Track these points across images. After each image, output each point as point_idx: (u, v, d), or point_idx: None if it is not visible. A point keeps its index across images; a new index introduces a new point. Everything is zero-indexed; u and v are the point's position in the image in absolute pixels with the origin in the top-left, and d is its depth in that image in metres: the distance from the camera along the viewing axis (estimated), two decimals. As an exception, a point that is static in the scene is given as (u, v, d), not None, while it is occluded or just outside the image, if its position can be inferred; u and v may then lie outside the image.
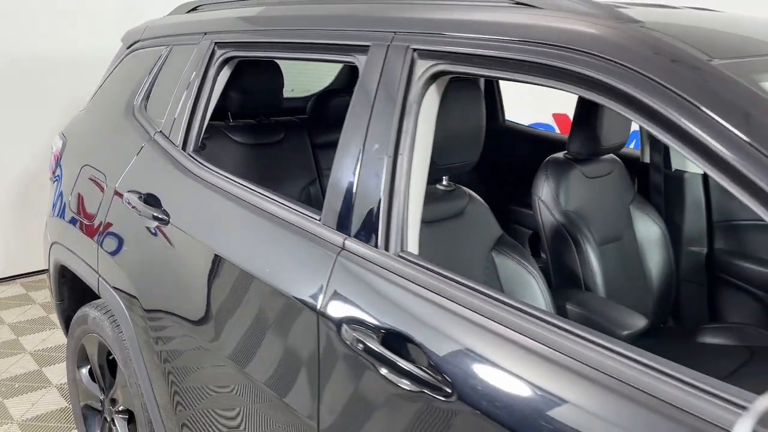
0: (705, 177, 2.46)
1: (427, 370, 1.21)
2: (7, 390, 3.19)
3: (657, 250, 2.40)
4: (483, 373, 1.14)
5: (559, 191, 2.25)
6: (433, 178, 1.73)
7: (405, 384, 1.24)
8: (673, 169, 2.50)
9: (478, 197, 1.98)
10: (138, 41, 2.47)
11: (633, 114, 1.10)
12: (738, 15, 1.67)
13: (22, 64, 4.17)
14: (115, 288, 2.13)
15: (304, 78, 3.59)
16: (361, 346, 1.31)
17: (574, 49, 1.18)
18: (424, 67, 1.43)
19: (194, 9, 2.35)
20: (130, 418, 2.32)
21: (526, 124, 3.57)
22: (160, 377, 2.00)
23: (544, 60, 1.22)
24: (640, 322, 1.92)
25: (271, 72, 2.44)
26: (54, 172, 2.63)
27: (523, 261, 1.90)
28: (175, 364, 1.93)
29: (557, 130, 5.06)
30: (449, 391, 1.17)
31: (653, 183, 2.53)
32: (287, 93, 3.55)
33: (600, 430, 0.99)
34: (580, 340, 1.07)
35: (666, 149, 2.51)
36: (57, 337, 3.70)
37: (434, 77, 1.44)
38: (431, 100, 1.47)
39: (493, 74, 1.34)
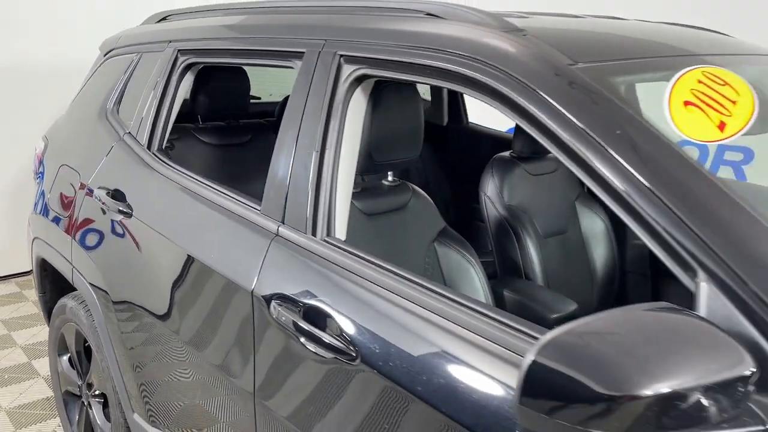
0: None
1: (338, 339, 1.36)
2: (5, 385, 3.35)
3: (601, 243, 2.54)
4: (381, 339, 1.30)
5: (503, 187, 2.40)
6: (374, 172, 1.89)
7: (321, 351, 1.39)
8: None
9: (423, 192, 2.13)
10: (113, 49, 2.64)
11: (509, 113, 1.25)
12: (624, 21, 1.81)
13: (12, 73, 4.35)
14: (86, 278, 2.29)
15: (282, 83, 3.74)
16: (284, 319, 1.46)
17: (465, 55, 1.33)
18: (348, 71, 1.59)
19: (163, 19, 2.52)
20: (105, 401, 2.47)
21: (505, 129, 3.70)
22: (125, 360, 2.16)
23: (443, 65, 1.37)
24: (569, 307, 2.06)
25: (237, 77, 2.59)
26: (36, 172, 2.80)
27: (463, 251, 2.04)
28: (137, 346, 2.09)
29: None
30: (354, 355, 1.32)
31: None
32: (266, 97, 3.71)
33: (473, 378, 1.14)
34: (465, 309, 1.22)
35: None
36: (47, 332, 3.86)
37: (358, 80, 1.59)
38: (358, 101, 1.62)
39: (406, 77, 1.49)
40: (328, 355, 1.37)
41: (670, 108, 1.18)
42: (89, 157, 2.40)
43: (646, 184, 1.04)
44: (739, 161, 5.10)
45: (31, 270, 2.92)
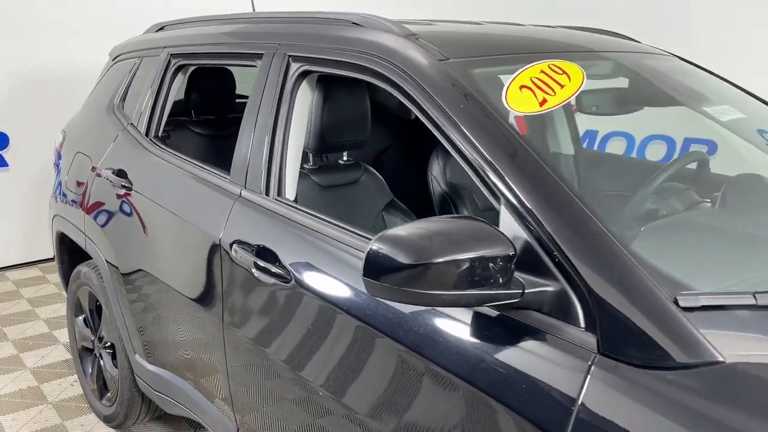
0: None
1: (278, 267, 1.81)
2: (23, 346, 3.84)
3: None
4: (307, 265, 1.75)
5: (446, 168, 2.84)
6: (328, 152, 2.34)
7: (266, 278, 1.84)
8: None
9: (374, 171, 2.58)
10: (119, 54, 3.12)
11: (404, 99, 1.68)
12: (515, 26, 2.24)
13: (35, 78, 4.88)
14: (96, 245, 2.77)
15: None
16: (241, 258, 1.92)
17: (373, 54, 1.78)
18: (295, 68, 2.04)
19: (161, 28, 2.99)
20: (113, 352, 2.94)
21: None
22: (128, 310, 2.63)
23: (359, 62, 1.81)
24: None
25: (224, 78, 3.06)
26: (55, 162, 3.29)
27: (407, 220, 2.49)
28: (136, 297, 2.56)
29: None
30: (288, 278, 1.78)
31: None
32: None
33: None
34: (365, 239, 1.66)
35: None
36: (66, 306, 4.36)
37: (303, 75, 2.05)
38: (304, 92, 2.07)
39: (336, 72, 1.94)
40: (271, 280, 1.83)
41: (508, 90, 1.62)
42: (99, 145, 2.88)
43: (475, 141, 1.48)
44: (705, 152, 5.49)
45: (53, 257, 3.40)
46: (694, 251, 1.55)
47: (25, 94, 4.91)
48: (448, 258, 1.21)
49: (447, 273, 1.22)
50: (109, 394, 3.02)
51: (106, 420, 3.05)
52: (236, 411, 2.12)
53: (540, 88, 1.65)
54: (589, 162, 2.93)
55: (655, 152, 3.88)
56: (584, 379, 1.18)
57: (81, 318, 3.19)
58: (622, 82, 2.17)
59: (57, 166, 3.27)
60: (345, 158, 2.54)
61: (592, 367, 1.18)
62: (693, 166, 2.44)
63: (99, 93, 3.15)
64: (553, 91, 1.65)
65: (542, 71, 1.72)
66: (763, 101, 2.35)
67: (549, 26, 2.36)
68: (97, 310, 3.03)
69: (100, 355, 3.04)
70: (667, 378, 1.11)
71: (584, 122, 2.89)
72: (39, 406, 3.23)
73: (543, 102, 1.61)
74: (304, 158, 2.27)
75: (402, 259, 1.21)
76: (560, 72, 1.74)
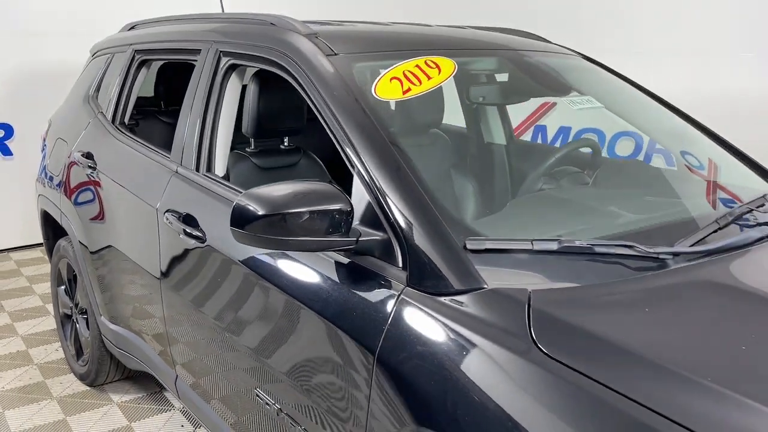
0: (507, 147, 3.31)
1: (194, 230, 2.15)
2: (17, 317, 4.23)
3: None
4: (218, 228, 2.08)
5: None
6: (266, 137, 2.64)
7: (189, 240, 2.17)
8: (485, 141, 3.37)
9: (314, 156, 2.89)
10: (98, 51, 3.48)
11: (299, 88, 2.00)
12: (419, 26, 2.53)
13: (37, 75, 5.28)
14: (69, 219, 3.13)
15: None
16: (170, 223, 2.26)
17: (278, 49, 2.09)
18: (224, 62, 2.37)
19: (132, 27, 3.35)
20: (87, 317, 3.30)
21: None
22: (94, 277, 2.99)
23: (270, 56, 2.13)
24: None
25: (188, 72, 3.39)
26: (42, 147, 3.66)
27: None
28: (100, 264, 2.91)
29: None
30: (204, 239, 2.11)
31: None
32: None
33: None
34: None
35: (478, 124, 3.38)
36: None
37: (231, 68, 2.37)
38: (232, 83, 2.40)
39: (255, 65, 2.26)
40: (192, 242, 2.16)
41: (379, 81, 1.93)
42: (74, 132, 3.24)
43: (341, 122, 1.79)
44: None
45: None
46: (523, 215, 1.85)
47: (28, 89, 5.30)
48: (296, 210, 1.53)
49: (296, 222, 1.53)
50: (84, 355, 3.38)
51: (81, 378, 3.41)
52: (174, 358, 2.46)
53: (408, 79, 1.96)
54: (516, 150, 3.22)
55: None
56: (394, 304, 1.49)
57: (62, 288, 3.55)
58: (503, 77, 2.47)
59: (43, 151, 3.64)
60: (286, 143, 2.85)
61: (401, 296, 1.50)
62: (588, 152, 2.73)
63: (79, 85, 3.51)
64: (419, 81, 1.97)
65: (417, 65, 2.03)
66: (655, 96, 2.63)
67: (458, 26, 2.66)
68: (73, 279, 3.39)
69: (77, 320, 3.40)
70: (446, 301, 1.42)
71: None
72: (25, 367, 3.60)
73: (407, 91, 1.92)
74: (246, 142, 2.60)
75: (260, 210, 1.53)
76: (433, 66, 2.05)
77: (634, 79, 2.70)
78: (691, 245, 1.61)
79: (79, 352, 3.44)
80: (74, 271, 3.33)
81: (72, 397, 3.33)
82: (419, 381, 1.39)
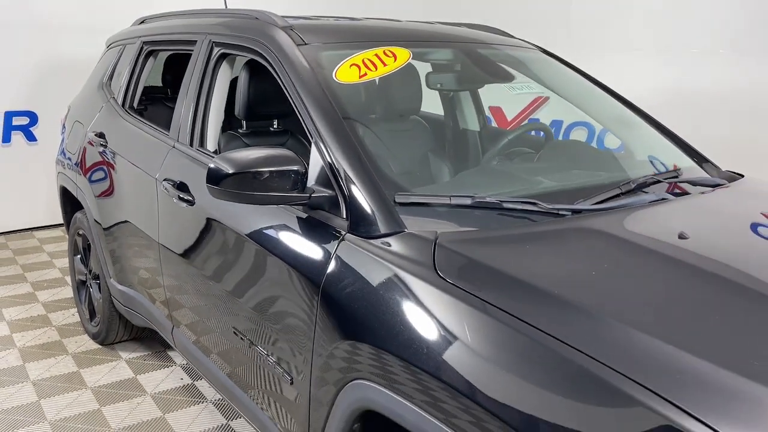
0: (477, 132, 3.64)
1: (186, 195, 2.51)
2: (38, 287, 4.63)
3: None
4: (204, 193, 2.43)
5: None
6: (256, 120, 2.99)
7: (181, 203, 2.54)
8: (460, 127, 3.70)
9: (300, 137, 3.24)
10: (112, 43, 3.86)
11: (274, 73, 2.34)
12: (387, 21, 2.86)
13: (59, 67, 5.69)
14: (84, 193, 3.51)
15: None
16: (167, 190, 2.62)
17: (259, 39, 2.44)
18: (216, 51, 2.73)
19: (143, 21, 3.72)
20: (99, 282, 3.68)
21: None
22: (105, 244, 3.36)
23: (253, 46, 2.48)
24: None
25: (187, 63, 3.76)
26: (62, 130, 4.05)
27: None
28: (109, 230, 3.29)
29: (493, 121, 6.25)
30: (193, 200, 2.47)
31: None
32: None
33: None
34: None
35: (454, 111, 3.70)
36: (77, 257, 5.13)
37: (222, 57, 2.73)
38: (223, 70, 2.75)
39: (241, 54, 2.61)
40: (184, 204, 2.52)
41: (340, 67, 2.26)
42: (89, 115, 3.62)
43: (304, 100, 2.13)
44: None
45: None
46: (463, 183, 2.19)
47: (51, 80, 5.71)
48: (259, 169, 1.87)
49: (259, 180, 1.88)
50: (96, 317, 3.76)
51: (94, 337, 3.80)
52: (171, 310, 2.82)
53: (366, 66, 2.30)
54: (482, 134, 3.54)
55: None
56: (336, 246, 1.84)
57: (78, 257, 3.94)
58: (457, 67, 2.80)
59: (62, 134, 4.03)
60: (275, 126, 3.20)
61: (342, 240, 1.84)
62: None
63: (95, 74, 3.90)
64: (375, 68, 2.31)
65: (376, 54, 2.37)
66: (605, 87, 2.95)
67: (425, 22, 2.99)
68: (88, 248, 3.77)
69: (90, 285, 3.78)
70: (376, 242, 1.76)
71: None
72: (44, 328, 4.00)
73: (363, 75, 2.26)
74: (239, 124, 2.95)
75: (229, 170, 1.88)
76: (390, 55, 2.39)
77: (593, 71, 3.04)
78: (592, 204, 1.93)
79: (92, 315, 3.82)
80: (88, 241, 3.71)
81: (85, 353, 3.71)
82: (353, 305, 1.73)
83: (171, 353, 3.72)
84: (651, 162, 2.58)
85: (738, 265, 1.61)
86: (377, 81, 2.56)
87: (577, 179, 2.27)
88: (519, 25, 3.93)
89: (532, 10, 6.55)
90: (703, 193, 2.19)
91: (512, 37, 3.18)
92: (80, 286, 3.97)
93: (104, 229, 3.33)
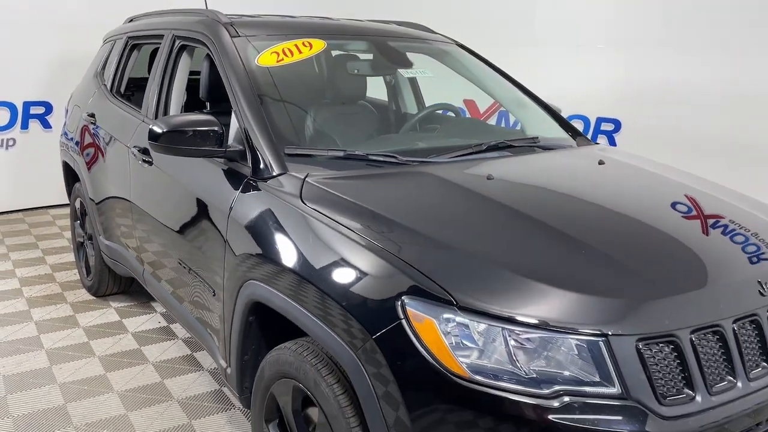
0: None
1: (147, 157, 3.14)
2: (48, 252, 5.31)
3: None
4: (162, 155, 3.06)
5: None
6: (217, 101, 3.61)
7: (144, 163, 3.17)
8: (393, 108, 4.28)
9: None
10: (107, 38, 4.52)
11: (215, 61, 2.96)
12: (313, 18, 3.46)
13: (71, 61, 6.37)
14: (79, 165, 4.17)
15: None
16: (134, 155, 3.26)
17: (204, 32, 3.06)
18: (177, 43, 3.35)
19: (132, 20, 4.37)
20: (92, 242, 4.33)
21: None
22: (95, 210, 4.02)
23: (201, 38, 3.10)
24: None
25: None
26: (66, 113, 4.72)
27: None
28: (97, 193, 3.94)
29: (467, 113, 6.82)
30: (151, 161, 3.10)
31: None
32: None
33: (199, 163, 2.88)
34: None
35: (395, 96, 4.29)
36: (83, 229, 5.82)
37: (182, 48, 3.35)
38: (184, 59, 3.38)
39: (194, 45, 3.23)
40: (146, 165, 3.16)
41: (263, 54, 2.87)
42: (85, 99, 4.28)
43: (231, 81, 2.74)
44: (611, 130, 6.61)
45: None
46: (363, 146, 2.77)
47: (64, 73, 6.39)
48: (184, 129, 2.48)
49: (184, 137, 2.48)
50: (91, 273, 4.42)
51: (89, 289, 4.46)
52: (141, 256, 3.46)
53: (284, 53, 2.91)
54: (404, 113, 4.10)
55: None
56: (240, 185, 2.44)
57: (78, 222, 4.60)
58: (369, 56, 3.39)
59: (66, 116, 4.70)
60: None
61: (245, 181, 2.44)
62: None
63: (92, 65, 4.56)
64: (292, 54, 2.91)
65: (295, 44, 2.98)
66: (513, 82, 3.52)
67: (355, 19, 3.59)
68: (84, 214, 4.43)
69: (86, 245, 4.44)
70: (267, 182, 2.36)
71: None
72: (49, 284, 4.67)
73: (279, 60, 2.87)
74: (205, 106, 3.56)
75: (163, 129, 2.49)
76: (307, 45, 3.00)
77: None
78: (435, 157, 2.52)
79: (88, 271, 4.48)
80: (85, 208, 4.37)
81: (81, 302, 4.37)
82: (248, 226, 2.33)
83: (153, 303, 4.36)
84: (524, 133, 3.15)
85: (514, 196, 2.20)
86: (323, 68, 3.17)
87: (446, 143, 2.85)
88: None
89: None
90: (543, 152, 2.76)
91: (434, 32, 3.77)
92: (79, 247, 4.63)
93: (93, 193, 3.99)
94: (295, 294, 2.03)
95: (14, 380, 3.36)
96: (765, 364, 1.80)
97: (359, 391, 1.81)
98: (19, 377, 3.40)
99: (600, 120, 6.71)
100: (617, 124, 6.58)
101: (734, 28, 5.45)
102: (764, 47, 5.24)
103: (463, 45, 3.71)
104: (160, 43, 3.61)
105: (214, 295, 2.60)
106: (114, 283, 4.32)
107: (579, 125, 6.87)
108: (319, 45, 3.00)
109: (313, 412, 2.11)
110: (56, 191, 6.60)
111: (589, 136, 6.92)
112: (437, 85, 3.92)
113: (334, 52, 3.33)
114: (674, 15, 5.96)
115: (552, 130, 3.26)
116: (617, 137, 6.62)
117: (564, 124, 3.31)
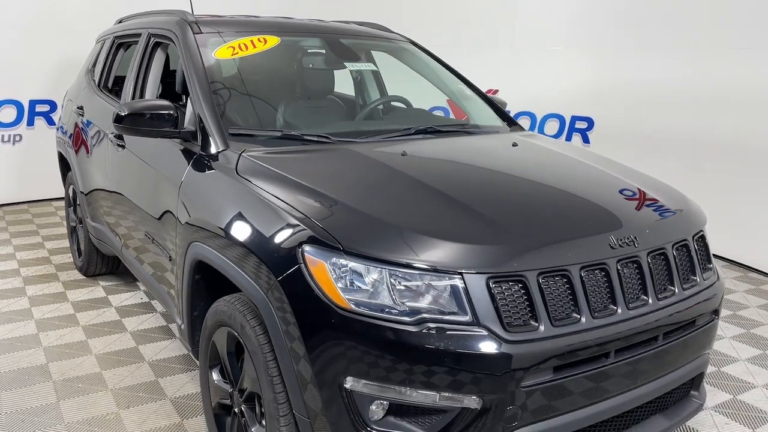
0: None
1: (121, 140, 3.51)
2: (47, 238, 5.71)
3: None
4: (132, 140, 3.43)
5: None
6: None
7: (119, 147, 3.54)
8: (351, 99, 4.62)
9: None
10: (99, 39, 4.92)
11: (179, 55, 3.32)
12: (276, 18, 3.82)
13: (74, 61, 6.78)
14: (70, 154, 4.56)
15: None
16: (112, 141, 3.63)
17: (172, 30, 3.42)
18: (152, 41, 3.72)
19: (120, 21, 4.75)
20: (83, 226, 4.71)
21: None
22: (84, 200, 4.39)
23: (171, 35, 3.46)
24: None
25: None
26: (61, 108, 5.12)
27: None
28: (86, 181, 4.32)
29: (451, 113, 7.15)
30: (124, 145, 3.47)
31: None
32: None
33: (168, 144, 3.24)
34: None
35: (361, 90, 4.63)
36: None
37: (156, 45, 3.72)
38: (158, 54, 3.74)
39: (165, 41, 3.60)
40: (120, 148, 3.52)
41: (220, 48, 3.22)
42: (77, 94, 4.67)
43: (188, 71, 3.10)
44: (585, 128, 6.91)
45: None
46: (295, 123, 3.11)
47: (67, 74, 6.74)
48: (143, 112, 2.84)
49: (143, 119, 2.84)
50: (82, 255, 4.80)
51: (80, 269, 4.84)
52: (119, 233, 3.83)
53: (239, 47, 3.26)
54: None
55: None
56: (191, 160, 2.80)
57: (71, 208, 4.99)
58: (322, 51, 3.73)
59: (62, 111, 5.10)
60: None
61: (195, 156, 2.80)
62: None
63: (85, 63, 4.96)
64: (246, 48, 3.26)
65: (251, 40, 3.33)
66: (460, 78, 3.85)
67: (316, 19, 3.94)
68: (76, 199, 4.81)
69: (78, 229, 4.83)
70: (213, 157, 2.71)
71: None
72: (45, 265, 5.06)
73: (235, 54, 3.22)
74: (180, 98, 3.92)
75: (125, 112, 2.85)
76: (262, 41, 3.35)
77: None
78: (365, 138, 2.85)
79: (79, 252, 4.86)
80: (75, 193, 4.75)
81: (72, 281, 4.75)
82: (194, 196, 2.69)
83: (138, 283, 4.73)
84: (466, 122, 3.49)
85: (418, 168, 2.53)
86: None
87: (383, 127, 3.18)
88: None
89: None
90: (466, 136, 3.09)
91: (391, 32, 4.11)
92: (72, 231, 5.01)
93: (81, 178, 4.37)
94: (225, 250, 2.37)
95: (4, 344, 3.73)
96: (612, 306, 2.11)
97: (269, 325, 2.14)
98: (9, 341, 3.77)
99: (574, 119, 7.00)
100: (590, 123, 6.87)
101: (704, 30, 5.73)
102: (728, 47, 5.52)
103: (417, 43, 4.05)
104: (136, 41, 3.98)
105: (170, 260, 2.95)
106: (102, 263, 4.69)
107: (555, 124, 7.19)
108: (273, 41, 3.36)
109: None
110: (59, 185, 7.01)
111: (564, 135, 7.25)
112: (395, 78, 4.27)
113: (288, 48, 3.67)
114: (645, 19, 6.25)
115: (490, 119, 3.59)
116: (590, 135, 6.92)
117: (502, 114, 3.63)
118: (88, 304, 4.34)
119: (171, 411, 3.10)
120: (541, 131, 7.22)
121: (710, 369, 3.67)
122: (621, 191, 2.53)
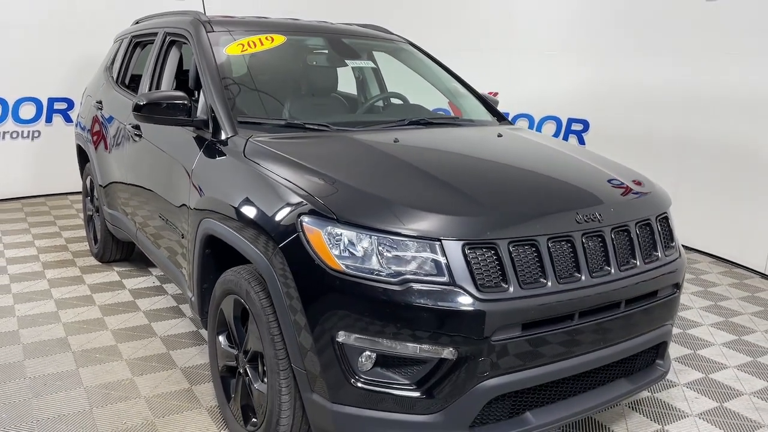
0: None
1: (138, 131, 3.79)
2: (64, 228, 6.00)
3: None
4: (148, 129, 3.71)
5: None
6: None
7: (136, 137, 3.82)
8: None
9: None
10: (117, 38, 5.21)
11: (193, 52, 3.60)
12: (284, 19, 4.10)
13: (91, 62, 7.09)
14: (88, 147, 4.85)
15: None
16: (130, 132, 3.91)
17: (186, 29, 3.70)
18: (168, 39, 4.01)
19: (137, 22, 5.05)
20: (99, 213, 4.99)
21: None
22: (101, 189, 4.68)
23: (186, 34, 3.74)
24: None
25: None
26: (80, 104, 5.42)
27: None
28: (103, 169, 4.61)
29: (451, 113, 7.42)
30: (141, 134, 3.75)
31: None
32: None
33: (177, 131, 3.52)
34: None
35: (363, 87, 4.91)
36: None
37: (171, 43, 4.01)
38: (173, 52, 4.03)
39: (180, 40, 3.88)
40: (138, 137, 3.81)
41: (231, 45, 3.50)
42: (96, 90, 4.97)
43: (201, 66, 3.37)
44: (580, 130, 7.16)
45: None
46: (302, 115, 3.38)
47: (84, 73, 7.05)
48: (159, 101, 3.11)
49: (159, 108, 3.11)
50: (98, 242, 5.08)
51: (96, 256, 5.12)
52: (134, 218, 4.11)
53: (248, 45, 3.54)
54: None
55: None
56: (203, 145, 3.07)
57: (88, 198, 5.28)
58: (325, 50, 4.01)
59: (81, 107, 5.40)
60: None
61: (206, 142, 3.07)
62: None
63: (103, 61, 5.25)
64: (255, 45, 3.54)
65: (259, 38, 3.61)
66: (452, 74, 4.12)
67: (321, 21, 4.22)
68: (93, 189, 5.10)
69: (94, 217, 5.11)
70: (223, 142, 2.98)
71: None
72: (63, 252, 5.35)
73: (244, 50, 3.50)
74: (192, 94, 4.21)
75: (143, 102, 3.13)
76: (270, 39, 3.63)
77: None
78: (361, 127, 3.12)
79: (95, 240, 5.14)
80: (93, 184, 5.04)
81: (89, 267, 5.04)
82: (205, 178, 2.96)
83: (151, 268, 5.01)
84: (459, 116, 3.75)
85: (408, 152, 2.80)
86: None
87: (378, 118, 3.45)
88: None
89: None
90: (456, 127, 3.36)
91: (391, 33, 4.38)
92: (89, 220, 5.30)
93: (99, 167, 4.66)
94: (233, 224, 2.64)
95: (27, 320, 4.01)
96: (577, 274, 2.36)
97: (270, 288, 2.40)
98: (31, 317, 4.05)
99: (571, 120, 7.26)
100: (586, 125, 7.12)
101: (697, 34, 5.99)
102: (721, 52, 5.77)
103: (415, 44, 4.32)
104: (152, 40, 4.27)
105: (182, 237, 3.23)
106: (117, 249, 4.97)
107: (552, 126, 7.45)
108: (279, 39, 3.63)
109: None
110: (76, 179, 7.30)
111: (560, 136, 7.50)
112: (394, 77, 4.55)
113: (294, 46, 3.95)
114: (639, 23, 6.51)
115: (481, 114, 3.85)
116: (586, 136, 7.17)
117: (492, 110, 3.90)
118: (103, 287, 4.61)
119: (181, 378, 3.37)
120: (538, 132, 7.48)
121: (686, 352, 3.92)
122: (591, 174, 2.79)
